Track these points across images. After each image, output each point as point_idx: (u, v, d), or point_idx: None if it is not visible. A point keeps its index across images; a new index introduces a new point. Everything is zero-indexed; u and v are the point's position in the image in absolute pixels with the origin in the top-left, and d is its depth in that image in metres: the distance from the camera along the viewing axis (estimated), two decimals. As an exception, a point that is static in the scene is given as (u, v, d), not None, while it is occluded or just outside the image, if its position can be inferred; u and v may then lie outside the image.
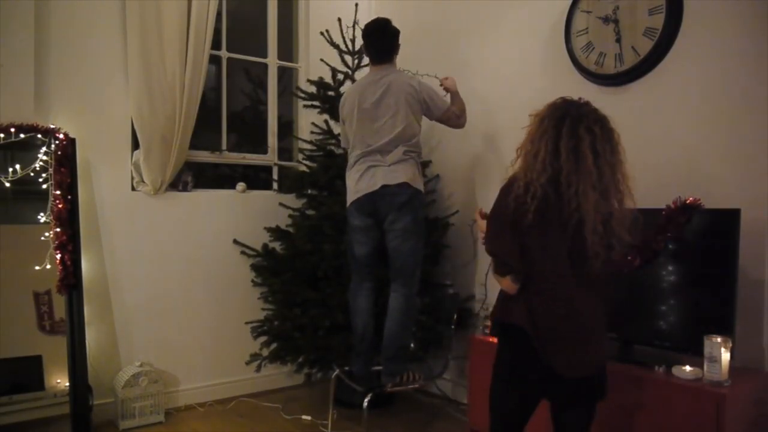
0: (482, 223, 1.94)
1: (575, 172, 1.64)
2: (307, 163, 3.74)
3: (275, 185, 3.99)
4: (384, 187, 2.71)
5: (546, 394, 1.77)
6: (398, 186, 2.71)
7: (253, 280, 3.75)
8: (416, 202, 2.77)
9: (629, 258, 2.26)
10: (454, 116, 2.98)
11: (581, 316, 1.69)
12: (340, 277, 3.26)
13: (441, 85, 3.10)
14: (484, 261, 3.32)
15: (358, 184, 2.80)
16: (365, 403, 2.68)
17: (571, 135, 1.67)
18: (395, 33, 3.00)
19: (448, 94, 3.08)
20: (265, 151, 4.07)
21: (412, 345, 3.01)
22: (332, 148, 3.69)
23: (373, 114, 2.82)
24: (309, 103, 3.68)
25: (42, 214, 2.98)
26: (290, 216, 3.72)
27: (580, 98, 1.79)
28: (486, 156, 3.43)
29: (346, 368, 2.99)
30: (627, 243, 1.70)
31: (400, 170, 2.74)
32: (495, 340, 1.87)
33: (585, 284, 1.70)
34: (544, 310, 1.68)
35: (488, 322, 2.87)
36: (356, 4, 3.67)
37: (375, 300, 2.92)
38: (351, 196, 2.85)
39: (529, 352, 1.68)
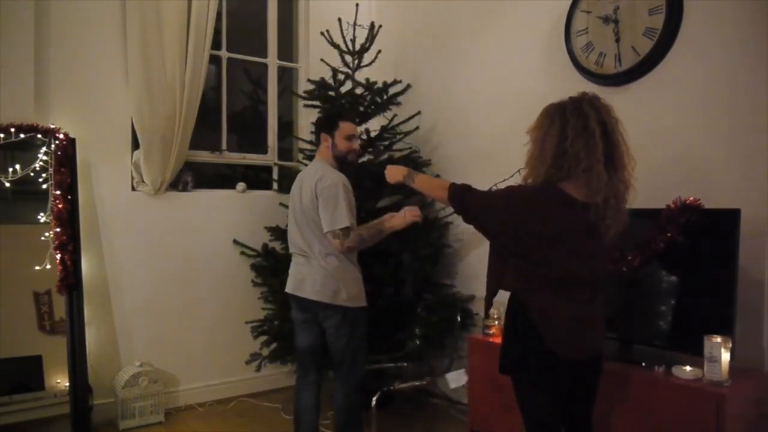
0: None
1: (585, 147, 1.62)
2: (307, 162, 3.74)
3: (275, 185, 3.99)
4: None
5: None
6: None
7: (253, 280, 3.75)
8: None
9: (629, 258, 2.27)
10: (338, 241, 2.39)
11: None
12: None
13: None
14: (486, 260, 3.32)
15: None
16: (373, 402, 2.68)
17: (578, 115, 1.66)
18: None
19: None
20: (265, 151, 4.07)
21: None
22: (332, 148, 3.68)
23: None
24: (309, 103, 3.68)
25: (42, 214, 2.98)
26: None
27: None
28: (486, 156, 3.42)
29: (375, 366, 2.97)
30: (621, 227, 1.72)
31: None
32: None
33: None
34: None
35: (489, 322, 2.87)
36: (356, 4, 3.66)
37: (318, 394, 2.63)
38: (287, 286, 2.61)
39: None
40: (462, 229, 3.54)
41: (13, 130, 2.90)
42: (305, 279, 2.49)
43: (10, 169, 2.94)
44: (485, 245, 3.44)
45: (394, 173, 2.18)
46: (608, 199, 1.65)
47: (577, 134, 1.63)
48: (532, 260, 1.68)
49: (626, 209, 1.74)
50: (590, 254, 1.70)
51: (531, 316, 1.68)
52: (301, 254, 2.55)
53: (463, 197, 1.85)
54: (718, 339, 1.96)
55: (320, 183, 2.42)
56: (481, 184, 3.45)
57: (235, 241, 3.72)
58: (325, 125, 2.61)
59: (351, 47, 3.65)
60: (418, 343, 3.23)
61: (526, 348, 1.71)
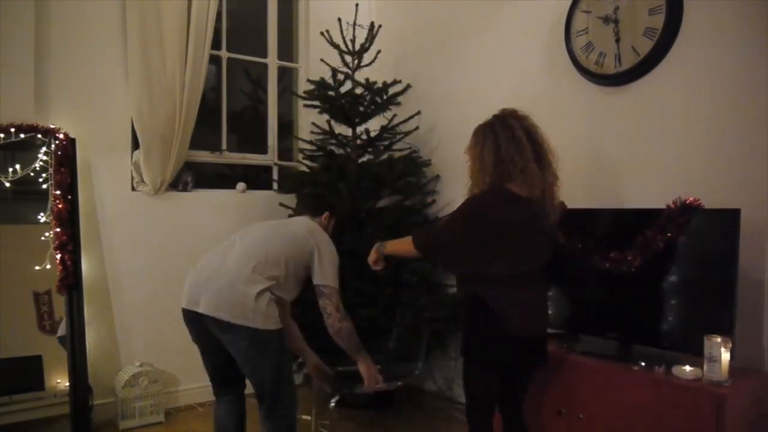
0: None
1: (517, 152, 1.94)
2: (307, 163, 3.74)
3: (275, 185, 3.99)
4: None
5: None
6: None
7: (253, 280, 3.74)
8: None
9: (629, 258, 2.27)
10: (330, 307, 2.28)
11: None
12: (341, 277, 3.25)
13: None
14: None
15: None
16: (332, 404, 2.66)
17: (505, 127, 1.99)
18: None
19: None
20: (265, 151, 4.07)
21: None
22: (332, 148, 3.69)
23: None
24: (309, 103, 3.68)
25: (42, 214, 2.98)
26: (290, 216, 3.72)
27: None
28: (486, 156, 3.42)
29: (340, 368, 2.86)
30: (558, 215, 2.10)
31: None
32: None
33: None
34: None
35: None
36: (356, 4, 3.67)
37: (241, 413, 2.47)
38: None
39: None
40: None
41: (13, 130, 2.90)
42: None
43: (10, 169, 2.94)
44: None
45: (371, 256, 2.32)
46: (544, 192, 1.98)
47: (508, 142, 1.96)
48: (490, 262, 1.97)
49: (559, 200, 2.11)
50: (537, 243, 2.03)
51: (490, 308, 1.98)
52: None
53: (427, 233, 2.15)
54: (718, 339, 1.96)
55: (319, 236, 2.32)
56: (481, 184, 3.47)
57: (235, 241, 3.72)
58: (333, 206, 2.57)
59: (351, 47, 3.65)
60: (391, 344, 3.20)
61: (487, 334, 2.01)
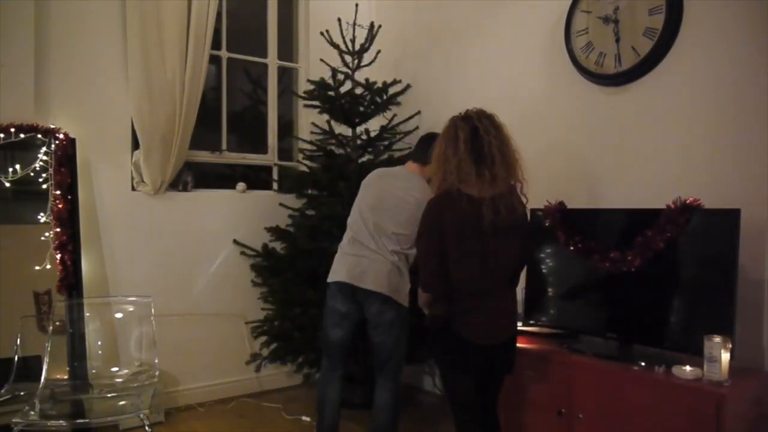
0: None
1: (453, 151, 1.97)
2: (307, 163, 3.74)
3: (275, 185, 3.99)
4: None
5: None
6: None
7: (253, 280, 3.75)
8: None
9: (629, 258, 2.27)
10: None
11: None
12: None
13: None
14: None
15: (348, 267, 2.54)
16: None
17: (451, 127, 2.03)
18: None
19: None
20: (265, 151, 4.07)
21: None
22: (332, 148, 3.69)
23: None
24: (309, 103, 3.68)
25: (42, 214, 2.98)
26: (290, 216, 3.72)
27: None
28: (486, 156, 3.42)
29: None
30: (518, 218, 2.02)
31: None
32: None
33: None
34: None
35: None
36: (356, 4, 3.67)
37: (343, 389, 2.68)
38: (335, 276, 2.58)
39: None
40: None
41: (13, 130, 2.90)
42: (367, 270, 2.48)
43: (10, 169, 2.94)
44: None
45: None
46: (502, 194, 1.96)
47: (447, 143, 2.01)
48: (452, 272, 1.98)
49: (521, 201, 2.05)
50: (494, 251, 1.99)
51: (453, 322, 2.00)
52: (365, 245, 2.52)
53: (417, 269, 2.14)
54: (718, 339, 1.96)
55: (426, 197, 2.42)
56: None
57: (235, 241, 3.73)
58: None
59: (351, 47, 3.65)
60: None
61: (446, 339, 2.04)
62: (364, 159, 3.63)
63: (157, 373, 3.02)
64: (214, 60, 3.80)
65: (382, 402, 2.56)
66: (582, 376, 2.29)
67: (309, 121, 3.95)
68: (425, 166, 2.52)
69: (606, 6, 2.74)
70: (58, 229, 2.93)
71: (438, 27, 3.80)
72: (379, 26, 3.70)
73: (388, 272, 2.47)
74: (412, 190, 2.54)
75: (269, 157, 4.06)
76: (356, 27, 3.61)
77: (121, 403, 2.96)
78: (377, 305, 2.48)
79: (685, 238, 2.18)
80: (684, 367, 2.05)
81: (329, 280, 2.61)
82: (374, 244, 2.51)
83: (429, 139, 2.61)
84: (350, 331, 2.59)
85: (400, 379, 2.61)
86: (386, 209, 2.54)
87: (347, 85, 3.62)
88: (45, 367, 2.82)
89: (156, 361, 3.05)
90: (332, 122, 3.63)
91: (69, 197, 2.98)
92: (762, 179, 2.22)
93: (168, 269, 3.50)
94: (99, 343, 3.22)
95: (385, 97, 3.62)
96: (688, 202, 2.16)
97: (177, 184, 3.57)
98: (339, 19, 3.61)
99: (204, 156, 3.78)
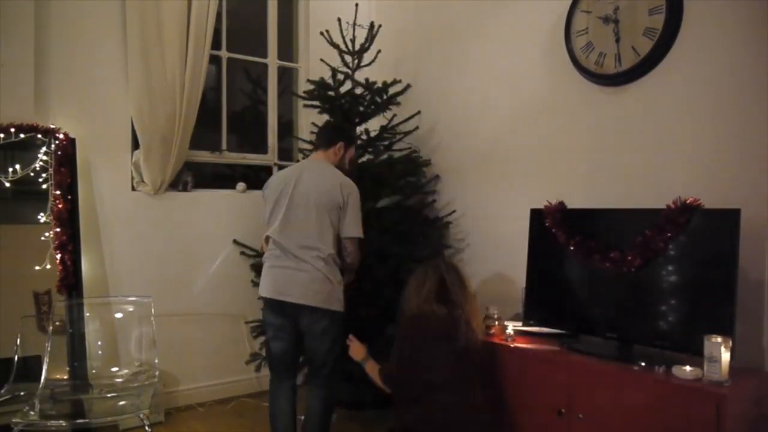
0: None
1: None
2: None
3: (275, 185, 3.98)
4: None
5: None
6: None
7: (253, 280, 3.75)
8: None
9: (629, 258, 2.27)
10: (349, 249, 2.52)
11: None
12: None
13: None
14: (485, 260, 3.33)
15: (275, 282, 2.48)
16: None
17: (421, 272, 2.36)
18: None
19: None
20: (265, 151, 4.07)
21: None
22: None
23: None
24: (309, 103, 3.68)
25: (42, 214, 2.98)
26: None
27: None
28: (486, 155, 3.42)
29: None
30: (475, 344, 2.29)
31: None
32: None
33: None
34: None
35: (489, 322, 2.85)
36: (356, 4, 3.66)
37: (295, 400, 2.61)
38: (262, 291, 2.52)
39: None
40: (462, 228, 3.54)
41: (13, 130, 2.90)
42: (291, 283, 2.41)
43: (10, 169, 2.95)
44: (486, 246, 3.44)
45: (355, 351, 2.47)
46: (468, 322, 2.26)
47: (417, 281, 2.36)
48: (422, 377, 2.18)
49: (477, 339, 2.31)
50: (446, 357, 2.20)
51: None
52: (290, 254, 2.42)
53: (389, 362, 2.29)
54: (718, 339, 1.96)
55: (346, 188, 2.48)
56: (481, 182, 3.48)
57: (235, 241, 3.73)
58: (348, 136, 2.69)
59: (351, 47, 3.65)
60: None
61: None
62: (363, 159, 3.63)
63: (157, 373, 3.04)
64: (214, 60, 3.80)
65: (312, 410, 2.51)
66: (582, 376, 2.28)
67: (309, 121, 3.95)
68: (329, 149, 2.61)
69: (606, 6, 2.74)
70: (58, 229, 2.93)
71: (438, 27, 3.80)
72: (379, 26, 3.70)
73: (315, 281, 2.39)
74: (324, 176, 2.51)
75: (269, 157, 4.06)
76: (356, 27, 3.61)
77: (121, 403, 2.97)
78: (307, 317, 2.43)
79: (685, 238, 2.18)
80: (684, 368, 2.05)
81: (259, 294, 2.56)
82: (299, 252, 2.41)
83: (329, 127, 2.76)
84: (292, 342, 2.51)
85: (333, 386, 2.55)
86: (300, 217, 2.44)
87: (347, 85, 3.62)
88: (45, 367, 2.82)
89: (156, 361, 3.06)
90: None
91: (69, 197, 2.98)
92: (762, 179, 2.22)
93: (168, 269, 3.50)
94: (99, 343, 3.22)
95: (385, 97, 3.61)
96: (688, 202, 2.16)
97: (177, 184, 3.57)
98: (339, 19, 3.61)
99: (204, 156, 3.78)
